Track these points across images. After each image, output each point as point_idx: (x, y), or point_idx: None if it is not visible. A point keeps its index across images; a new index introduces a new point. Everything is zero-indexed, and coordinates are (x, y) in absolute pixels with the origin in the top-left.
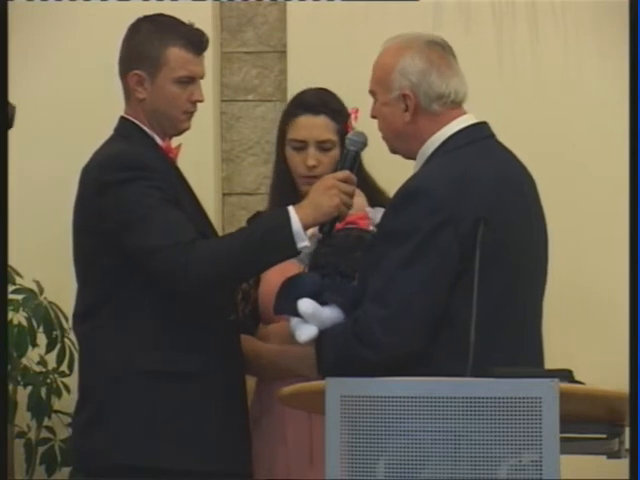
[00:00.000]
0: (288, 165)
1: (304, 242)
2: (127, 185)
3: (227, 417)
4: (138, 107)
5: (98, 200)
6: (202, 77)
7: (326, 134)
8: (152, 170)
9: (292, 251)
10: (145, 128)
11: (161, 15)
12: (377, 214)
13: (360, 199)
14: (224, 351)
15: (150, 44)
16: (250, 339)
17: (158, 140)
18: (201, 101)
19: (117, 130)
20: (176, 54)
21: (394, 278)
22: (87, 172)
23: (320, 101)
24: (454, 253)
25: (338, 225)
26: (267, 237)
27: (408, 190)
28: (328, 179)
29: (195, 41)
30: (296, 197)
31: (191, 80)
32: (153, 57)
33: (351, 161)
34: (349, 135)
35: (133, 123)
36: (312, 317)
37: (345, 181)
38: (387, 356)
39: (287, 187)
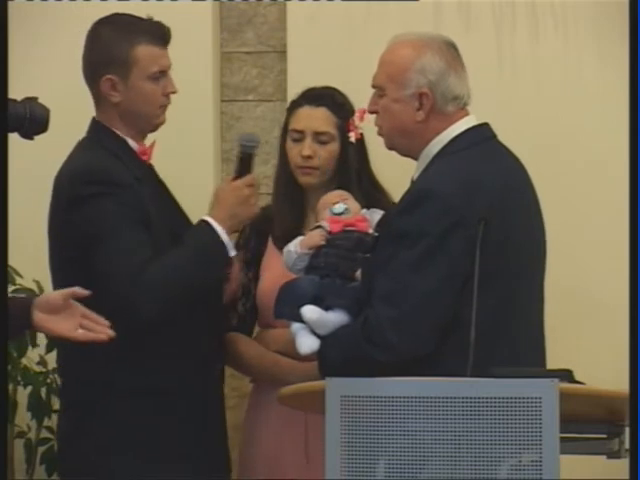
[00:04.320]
0: (287, 156)
1: (233, 252)
2: (92, 201)
3: (202, 432)
4: (112, 111)
5: (65, 215)
6: (170, 68)
7: (324, 126)
8: (118, 184)
9: (224, 264)
10: (117, 132)
11: (117, 15)
12: (374, 216)
13: (355, 202)
14: (200, 367)
15: (116, 46)
16: (251, 343)
17: (131, 143)
18: (174, 92)
19: (89, 134)
20: (144, 51)
21: (406, 280)
22: (57, 183)
23: (323, 94)
24: (464, 255)
25: (337, 228)
26: (202, 256)
27: (419, 192)
28: (243, 189)
29: (159, 34)
30: (296, 188)
31: (162, 74)
32: (122, 59)
33: (249, 164)
34: (241, 140)
35: (104, 127)
36: (317, 324)
37: (252, 185)
38: (398, 357)
39: (287, 178)
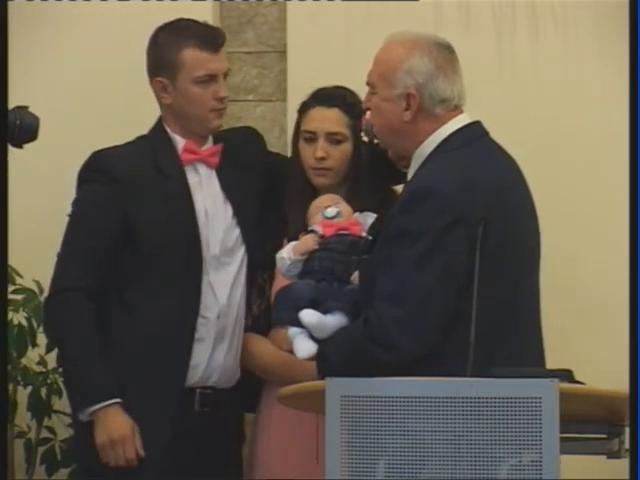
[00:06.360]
0: (300, 157)
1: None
2: (83, 185)
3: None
4: (167, 112)
5: None
6: (225, 73)
7: (337, 127)
8: (108, 173)
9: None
10: (168, 129)
11: (178, 20)
12: (367, 219)
13: (347, 206)
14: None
15: (166, 50)
16: (266, 344)
17: (179, 140)
18: (226, 97)
19: (150, 129)
20: (191, 55)
21: (408, 278)
22: None
23: (335, 94)
24: (464, 254)
25: (330, 232)
26: (80, 386)
27: (418, 190)
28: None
29: (209, 38)
30: (309, 189)
31: (212, 78)
32: (170, 62)
33: None
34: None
35: (160, 124)
36: (316, 328)
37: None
38: (401, 357)
39: (300, 180)
